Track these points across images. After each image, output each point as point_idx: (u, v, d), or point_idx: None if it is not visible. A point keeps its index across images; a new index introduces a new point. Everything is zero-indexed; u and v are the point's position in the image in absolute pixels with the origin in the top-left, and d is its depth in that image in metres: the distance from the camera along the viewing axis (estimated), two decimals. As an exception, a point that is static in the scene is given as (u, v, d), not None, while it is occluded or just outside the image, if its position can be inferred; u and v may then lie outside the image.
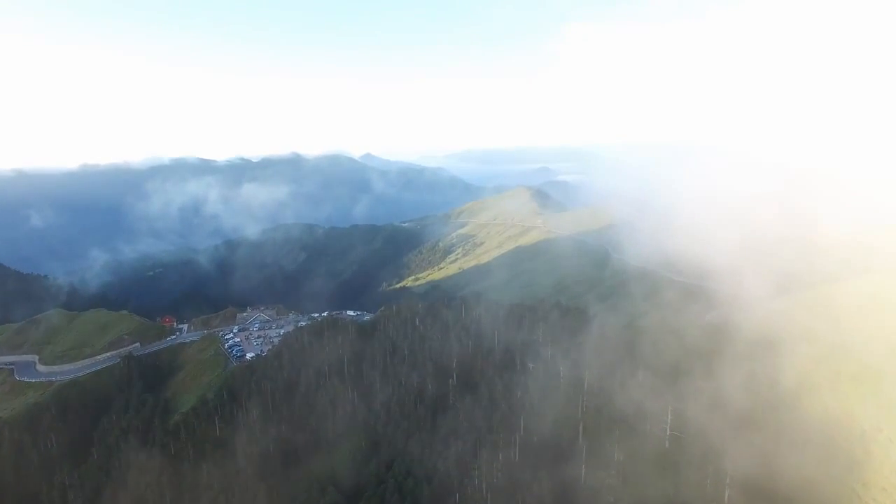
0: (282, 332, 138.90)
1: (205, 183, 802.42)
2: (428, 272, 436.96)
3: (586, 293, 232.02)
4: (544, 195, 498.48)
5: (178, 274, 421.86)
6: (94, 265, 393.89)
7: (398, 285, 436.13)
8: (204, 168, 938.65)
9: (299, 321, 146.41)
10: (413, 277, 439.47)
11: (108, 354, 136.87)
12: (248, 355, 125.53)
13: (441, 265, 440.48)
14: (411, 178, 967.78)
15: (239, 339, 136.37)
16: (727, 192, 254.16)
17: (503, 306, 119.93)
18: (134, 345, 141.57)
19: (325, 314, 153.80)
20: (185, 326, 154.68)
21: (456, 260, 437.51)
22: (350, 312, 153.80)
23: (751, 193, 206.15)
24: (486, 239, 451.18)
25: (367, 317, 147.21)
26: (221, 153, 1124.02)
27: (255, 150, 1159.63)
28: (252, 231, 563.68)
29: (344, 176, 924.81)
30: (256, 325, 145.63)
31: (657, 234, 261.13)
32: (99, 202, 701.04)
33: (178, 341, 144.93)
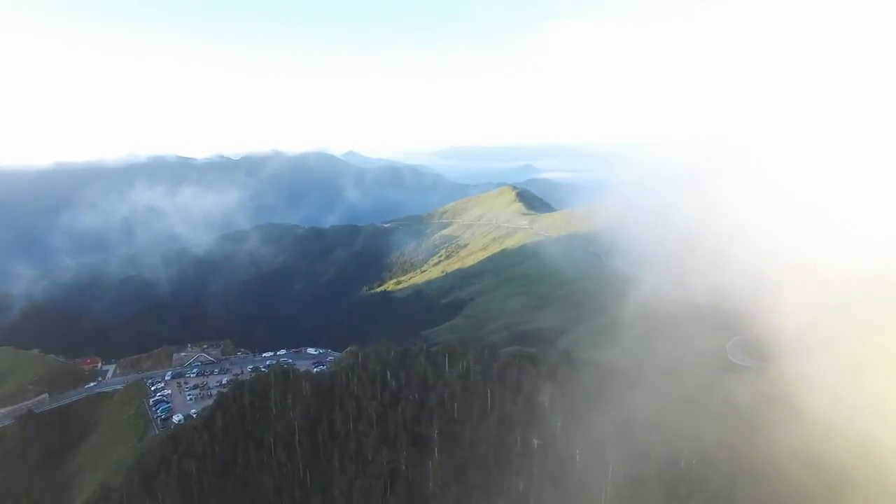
0: (225, 379, 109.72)
1: (181, 183, 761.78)
2: (410, 275, 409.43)
3: (591, 318, 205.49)
4: (529, 195, 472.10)
5: (142, 287, 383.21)
6: (22, 281, 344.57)
7: (379, 289, 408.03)
8: (182, 167, 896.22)
9: (246, 366, 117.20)
10: (395, 281, 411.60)
11: (2, 412, 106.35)
12: (176, 417, 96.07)
13: (424, 268, 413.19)
14: (394, 176, 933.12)
15: (169, 392, 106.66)
16: (732, 196, 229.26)
17: (498, 356, 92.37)
18: (41, 396, 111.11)
19: (281, 353, 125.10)
20: (110, 369, 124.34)
21: (439, 262, 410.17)
22: (311, 350, 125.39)
23: (769, 199, 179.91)
24: (471, 240, 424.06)
25: (331, 357, 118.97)
26: (201, 151, 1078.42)
27: (236, 148, 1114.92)
28: (224, 233, 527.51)
29: (325, 174, 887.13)
30: (195, 370, 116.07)
31: (659, 242, 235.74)
32: (74, 202, 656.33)
33: (99, 390, 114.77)
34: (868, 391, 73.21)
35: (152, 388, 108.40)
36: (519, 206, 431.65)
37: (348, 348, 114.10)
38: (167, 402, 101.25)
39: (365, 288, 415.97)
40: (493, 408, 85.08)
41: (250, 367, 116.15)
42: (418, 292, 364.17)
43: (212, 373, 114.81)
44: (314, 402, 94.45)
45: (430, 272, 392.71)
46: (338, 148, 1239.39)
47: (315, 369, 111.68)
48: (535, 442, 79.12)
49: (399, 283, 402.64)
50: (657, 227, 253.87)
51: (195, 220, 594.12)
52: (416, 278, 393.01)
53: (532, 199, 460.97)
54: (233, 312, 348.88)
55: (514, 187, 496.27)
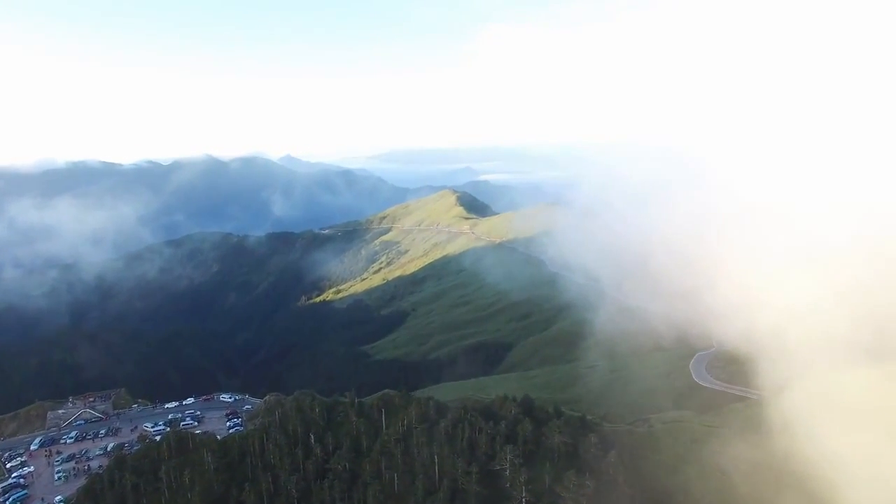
0: (111, 445, 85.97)
1: (104, 189, 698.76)
2: (350, 283, 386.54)
3: (539, 329, 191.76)
4: (470, 199, 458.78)
5: (25, 317, 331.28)
6: None
7: (318, 299, 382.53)
8: (105, 172, 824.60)
9: (143, 423, 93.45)
10: (334, 290, 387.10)
11: None
12: (33, 510, 72.08)
13: (364, 275, 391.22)
14: (332, 180, 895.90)
15: (31, 469, 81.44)
16: (672, 196, 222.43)
17: (445, 410, 74.47)
18: None
19: (189, 402, 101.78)
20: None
21: (379, 270, 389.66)
22: (224, 397, 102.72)
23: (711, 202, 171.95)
24: (411, 246, 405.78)
25: (248, 406, 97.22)
26: (128, 156, 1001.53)
27: (166, 153, 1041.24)
28: (148, 245, 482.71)
29: (261, 179, 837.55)
30: (72, 435, 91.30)
31: (600, 245, 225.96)
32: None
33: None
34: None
35: (8, 465, 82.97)
36: (460, 209, 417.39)
37: (266, 397, 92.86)
38: (23, 487, 76.58)
39: (303, 298, 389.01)
40: (441, 479, 67.18)
41: (149, 424, 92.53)
42: (358, 302, 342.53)
43: (96, 435, 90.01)
44: (219, 478, 73.14)
45: (371, 280, 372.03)
46: (274, 152, 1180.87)
47: (228, 423, 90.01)
48: (496, 525, 62.09)
49: (339, 291, 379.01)
50: (598, 229, 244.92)
51: (111, 232, 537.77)
52: (357, 287, 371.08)
53: (473, 203, 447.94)
54: (152, 337, 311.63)
55: (455, 191, 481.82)
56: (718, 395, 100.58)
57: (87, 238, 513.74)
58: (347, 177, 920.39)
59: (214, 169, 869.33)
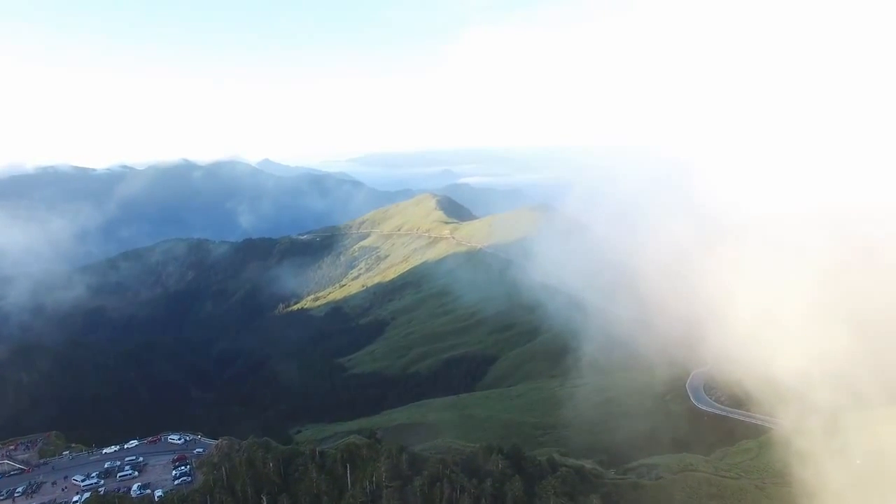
0: (32, 504, 72.03)
1: (77, 194, 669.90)
2: (329, 290, 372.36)
3: (522, 341, 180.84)
4: (449, 202, 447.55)
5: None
6: None
7: (296, 306, 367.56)
8: (79, 178, 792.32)
9: (73, 474, 79.57)
10: (312, 297, 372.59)
11: None
12: None
13: (343, 282, 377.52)
14: (311, 184, 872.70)
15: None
16: (651, 198, 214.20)
17: (421, 464, 62.64)
18: None
19: (131, 445, 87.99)
20: None
21: (358, 276, 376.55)
22: (173, 437, 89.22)
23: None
24: (391, 252, 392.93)
25: (199, 449, 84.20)
26: (101, 160, 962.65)
27: (141, 157, 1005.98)
28: (122, 252, 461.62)
29: (238, 184, 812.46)
30: (-14, 493, 77.30)
31: (585, 251, 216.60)
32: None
33: None
34: None
35: None
36: (439, 214, 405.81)
37: (219, 441, 79.68)
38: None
39: (281, 306, 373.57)
40: (417, 552, 55.46)
41: (79, 476, 78.44)
42: (336, 309, 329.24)
43: (12, 494, 75.51)
44: (151, 552, 60.42)
45: (350, 286, 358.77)
46: (252, 156, 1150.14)
47: (175, 472, 76.80)
48: None
49: (317, 299, 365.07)
50: (581, 235, 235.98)
51: (60, 243, 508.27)
52: (335, 294, 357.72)
53: (453, 207, 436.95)
54: (120, 350, 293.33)
55: (434, 195, 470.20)
56: (721, 422, 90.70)
57: (41, 248, 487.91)
58: (324, 181, 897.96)
59: (186, 173, 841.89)
